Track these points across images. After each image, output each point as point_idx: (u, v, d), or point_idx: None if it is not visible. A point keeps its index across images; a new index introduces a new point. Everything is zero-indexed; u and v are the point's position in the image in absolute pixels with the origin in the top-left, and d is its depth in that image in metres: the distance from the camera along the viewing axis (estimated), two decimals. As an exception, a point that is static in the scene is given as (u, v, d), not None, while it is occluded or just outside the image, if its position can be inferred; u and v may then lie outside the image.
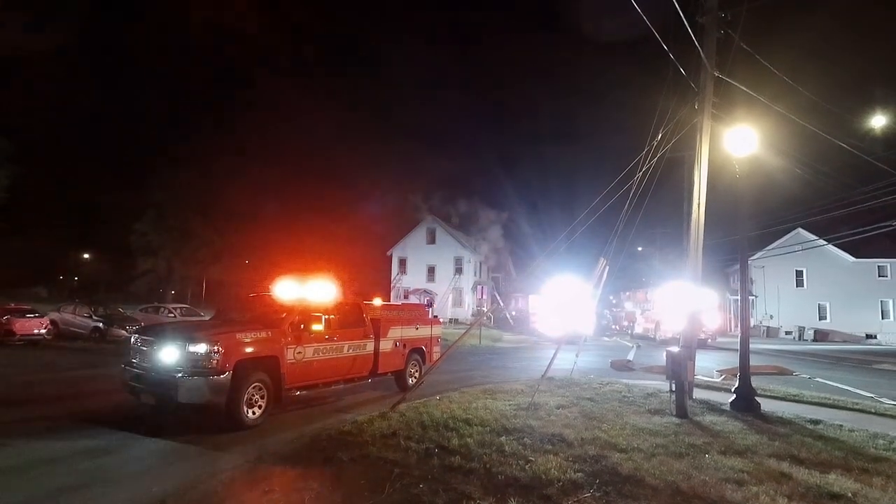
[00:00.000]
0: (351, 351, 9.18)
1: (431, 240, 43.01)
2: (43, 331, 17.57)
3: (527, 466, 5.58)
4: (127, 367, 7.63)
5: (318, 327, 8.37)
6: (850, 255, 35.37)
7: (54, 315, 19.92)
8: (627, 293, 40.56)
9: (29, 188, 44.73)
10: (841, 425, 8.12)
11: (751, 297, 34.95)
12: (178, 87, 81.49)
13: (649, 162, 10.16)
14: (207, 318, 13.64)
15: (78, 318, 19.94)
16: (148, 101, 75.93)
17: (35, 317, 17.78)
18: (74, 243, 57.60)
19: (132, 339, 8.04)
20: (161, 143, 74.74)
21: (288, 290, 8.90)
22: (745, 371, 9.47)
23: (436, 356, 11.48)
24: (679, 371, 8.73)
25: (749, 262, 12.75)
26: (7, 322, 16.69)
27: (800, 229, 34.29)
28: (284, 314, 8.25)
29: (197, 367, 6.98)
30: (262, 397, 7.49)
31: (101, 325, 19.22)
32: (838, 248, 34.26)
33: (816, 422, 8.30)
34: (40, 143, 57.77)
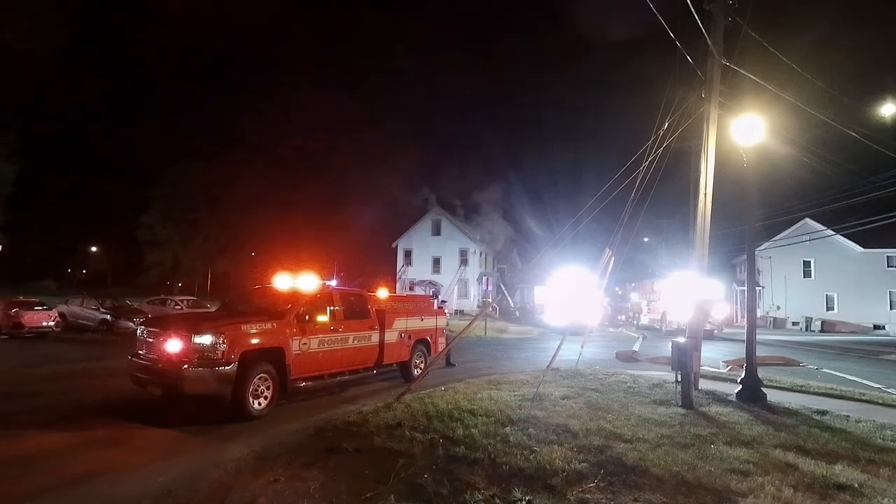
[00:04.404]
0: (356, 342, 9.21)
1: (437, 231, 42.94)
2: (51, 323, 17.72)
3: (531, 457, 5.59)
4: (134, 359, 7.69)
5: (323, 318, 8.40)
6: (859, 245, 35.02)
7: (62, 307, 20.10)
8: (633, 284, 40.42)
9: (37, 181, 45.02)
10: (847, 416, 8.09)
11: (758, 288, 34.65)
12: (185, 81, 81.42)
13: (655, 151, 10.07)
14: (214, 309, 13.71)
15: (86, 310, 20.11)
16: (155, 95, 75.94)
17: (43, 309, 17.94)
18: (82, 236, 57.94)
19: (139, 331, 8.09)
20: (168, 136, 74.81)
21: (293, 281, 8.92)
22: (751, 362, 9.43)
23: (441, 347, 11.51)
24: (685, 362, 8.70)
25: (756, 252, 12.62)
26: (16, 314, 16.86)
27: (807, 219, 33.98)
28: (290, 306, 8.27)
29: (203, 358, 7.02)
30: (267, 388, 7.54)
31: (108, 317, 19.38)
32: (847, 238, 33.93)
33: (823, 412, 8.26)
34: (47, 136, 57.92)
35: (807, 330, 34.92)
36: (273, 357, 7.68)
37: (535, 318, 32.62)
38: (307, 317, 8.22)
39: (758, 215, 12.93)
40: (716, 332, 25.29)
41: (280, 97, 77.68)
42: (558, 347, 10.01)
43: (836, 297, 36.50)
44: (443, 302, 15.60)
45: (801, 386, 10.86)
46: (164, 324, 8.00)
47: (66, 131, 65.73)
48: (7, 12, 39.17)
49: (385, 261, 44.00)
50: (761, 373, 9.69)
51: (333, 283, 10.54)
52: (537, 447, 5.92)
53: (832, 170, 17.07)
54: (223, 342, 7.07)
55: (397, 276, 42.29)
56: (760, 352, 10.87)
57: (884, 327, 34.49)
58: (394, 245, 43.91)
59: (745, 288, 10.68)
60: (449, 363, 13.01)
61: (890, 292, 35.54)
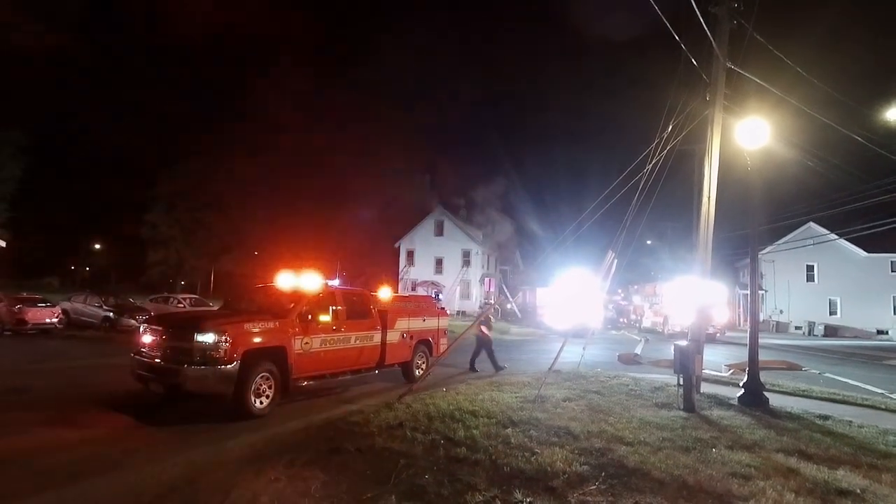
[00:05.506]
0: (358, 342, 9.21)
1: (439, 232, 42.94)
2: (54, 320, 17.78)
3: (532, 458, 5.59)
4: (136, 357, 7.70)
5: (325, 318, 8.41)
6: (863, 249, 34.87)
7: (66, 305, 20.14)
8: (636, 287, 40.37)
9: (41, 179, 45.18)
10: (850, 421, 8.06)
11: (760, 292, 34.65)
12: (189, 78, 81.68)
13: (659, 154, 10.06)
14: (216, 308, 13.72)
15: (89, 307, 20.14)
16: (159, 93, 76.16)
17: (47, 306, 17.99)
18: (86, 234, 58.12)
19: (142, 329, 8.11)
20: (171, 135, 75.03)
21: (296, 281, 8.93)
22: (753, 366, 9.41)
23: (443, 348, 11.51)
24: (687, 365, 8.68)
25: (759, 256, 12.59)
26: (19, 311, 16.91)
27: (811, 223, 33.90)
28: (292, 305, 8.28)
29: (205, 356, 7.03)
30: (269, 387, 7.55)
31: (111, 314, 19.40)
32: (850, 242, 33.84)
33: (825, 417, 8.24)
34: (52, 135, 58.22)
35: (809, 334, 34.80)
36: (275, 356, 7.68)
37: (536, 319, 32.58)
38: (309, 316, 8.23)
39: (761, 219, 12.91)
40: (718, 335, 25.23)
41: (283, 97, 77.83)
42: (560, 349, 10.00)
43: (839, 301, 36.38)
44: (486, 304, 15.55)
45: (804, 390, 10.82)
46: (166, 322, 8.03)
47: (70, 130, 66.02)
48: (11, 12, 39.35)
49: (387, 261, 43.99)
50: (764, 377, 9.67)
51: (336, 282, 10.55)
52: (538, 449, 5.91)
53: (836, 173, 17.02)
54: (225, 341, 7.08)
55: (400, 277, 42.30)
56: (763, 356, 10.84)
57: (887, 332, 34.34)
58: (396, 245, 43.93)
59: (748, 291, 10.65)
60: (474, 368, 12.87)
61: (893, 297, 35.39)
